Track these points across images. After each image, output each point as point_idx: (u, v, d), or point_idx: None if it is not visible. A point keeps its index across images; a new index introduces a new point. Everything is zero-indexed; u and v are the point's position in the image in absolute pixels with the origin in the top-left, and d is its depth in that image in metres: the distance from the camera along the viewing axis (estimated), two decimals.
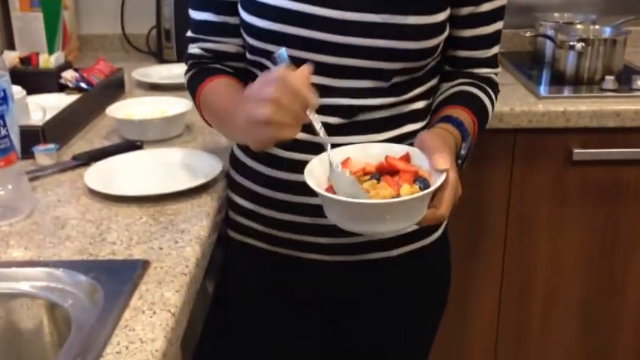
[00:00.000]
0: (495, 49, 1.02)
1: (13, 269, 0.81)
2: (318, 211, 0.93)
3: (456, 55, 1.00)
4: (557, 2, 1.94)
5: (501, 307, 1.65)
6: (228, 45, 0.99)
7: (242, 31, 0.95)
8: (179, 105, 1.31)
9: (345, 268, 1.00)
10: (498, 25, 0.99)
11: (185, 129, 1.30)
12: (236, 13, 0.95)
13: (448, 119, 0.92)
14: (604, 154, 1.50)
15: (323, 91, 0.82)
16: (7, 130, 0.90)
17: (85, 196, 1.01)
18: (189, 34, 1.02)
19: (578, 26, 1.75)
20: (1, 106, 0.89)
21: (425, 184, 0.78)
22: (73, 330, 0.70)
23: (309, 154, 0.92)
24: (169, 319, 0.71)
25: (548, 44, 1.74)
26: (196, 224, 0.92)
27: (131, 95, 1.56)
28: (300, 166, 0.92)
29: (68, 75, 1.47)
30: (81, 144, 1.24)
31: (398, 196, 0.76)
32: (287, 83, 0.73)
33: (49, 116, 1.24)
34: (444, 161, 0.79)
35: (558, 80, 1.63)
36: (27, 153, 1.10)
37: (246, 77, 0.98)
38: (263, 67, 0.94)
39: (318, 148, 0.90)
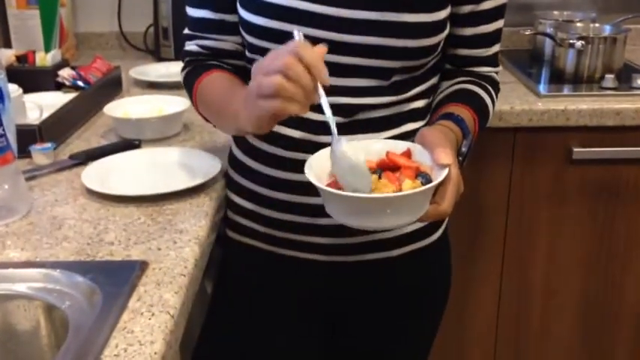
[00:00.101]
0: (496, 48, 1.01)
1: (10, 270, 0.80)
2: (318, 211, 0.93)
3: (456, 53, 0.99)
4: (556, 0, 1.93)
5: (500, 307, 1.65)
6: (225, 42, 0.98)
7: (240, 28, 0.95)
8: (177, 103, 1.30)
9: (345, 269, 0.99)
10: (499, 24, 0.98)
11: (183, 128, 1.29)
12: (234, 11, 0.95)
13: (449, 116, 0.91)
14: (604, 152, 1.49)
15: (323, 89, 0.82)
16: (3, 130, 0.89)
17: (82, 196, 1.00)
18: (186, 31, 1.02)
19: (578, 24, 1.74)
20: None
21: (427, 179, 0.77)
22: (70, 332, 0.69)
23: (309, 154, 0.91)
24: (168, 321, 0.70)
25: (548, 42, 1.73)
26: (195, 224, 0.91)
27: (128, 94, 1.55)
28: (300, 166, 0.92)
29: (65, 73, 1.46)
30: (78, 143, 1.23)
31: (400, 191, 0.75)
32: (300, 56, 0.71)
33: (45, 115, 1.23)
34: (446, 156, 0.78)
35: (558, 79, 1.63)
36: (23, 152, 1.10)
37: (244, 75, 0.97)
38: None
39: (318, 148, 0.89)
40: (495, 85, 1.04)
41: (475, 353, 1.69)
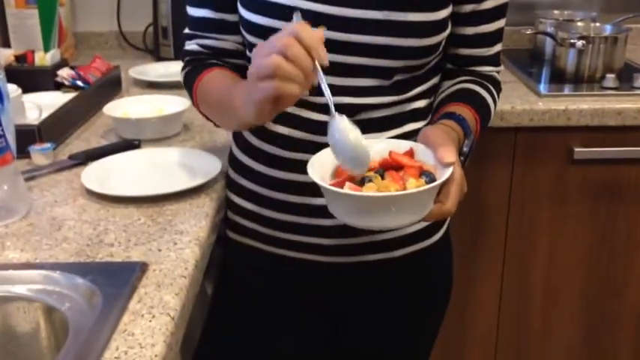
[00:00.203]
0: (498, 47, 1.01)
1: (10, 272, 0.79)
2: (319, 211, 0.92)
3: (457, 53, 0.99)
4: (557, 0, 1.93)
5: (501, 307, 1.64)
6: (226, 42, 0.98)
7: (241, 28, 0.94)
8: (177, 103, 1.30)
9: (346, 270, 0.99)
10: (500, 23, 0.98)
11: (183, 128, 1.29)
12: (234, 11, 0.94)
13: (450, 116, 0.91)
14: (605, 152, 1.49)
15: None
16: (2, 130, 0.88)
17: (81, 197, 1.00)
18: (186, 30, 1.01)
19: (579, 24, 1.74)
20: None
21: (431, 178, 0.77)
22: (70, 334, 0.69)
23: (310, 154, 0.91)
24: (169, 323, 0.70)
25: (548, 42, 1.73)
26: (195, 225, 0.91)
27: (128, 93, 1.54)
28: (300, 166, 0.91)
29: (64, 73, 1.45)
30: (77, 143, 1.23)
31: (404, 190, 0.75)
32: (299, 37, 0.71)
33: (45, 115, 1.22)
34: (450, 155, 0.78)
35: (558, 78, 1.62)
36: (23, 152, 1.09)
37: (245, 75, 0.97)
38: None
39: (318, 148, 0.89)
40: (497, 85, 1.04)
41: (476, 353, 1.69)
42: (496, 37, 0.99)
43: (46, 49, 1.57)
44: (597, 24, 1.72)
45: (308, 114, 0.91)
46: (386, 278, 1.01)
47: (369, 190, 0.75)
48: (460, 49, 0.98)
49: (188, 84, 1.00)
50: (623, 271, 1.61)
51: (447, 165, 0.77)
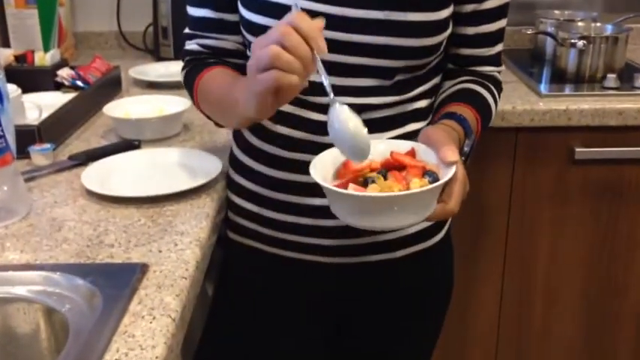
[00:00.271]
0: (499, 47, 1.01)
1: (10, 273, 0.79)
2: (320, 212, 0.92)
3: (458, 53, 0.99)
4: None
5: (502, 307, 1.64)
6: (226, 42, 0.98)
7: (242, 28, 0.94)
8: (177, 103, 1.29)
9: (347, 270, 0.98)
10: (502, 23, 0.98)
11: (183, 128, 1.29)
12: (235, 10, 0.94)
13: (451, 116, 0.91)
14: (606, 153, 1.49)
15: (324, 89, 0.81)
16: (2, 130, 0.88)
17: (82, 197, 0.99)
18: (186, 30, 1.01)
19: (580, 24, 1.74)
20: None
21: (434, 178, 0.76)
22: (70, 336, 0.68)
23: (310, 154, 0.90)
24: (170, 325, 0.69)
25: (549, 42, 1.73)
26: (196, 226, 0.91)
27: (128, 94, 1.54)
28: (301, 167, 0.91)
29: (64, 73, 1.45)
30: (77, 143, 1.22)
31: (408, 190, 0.74)
32: (297, 26, 0.71)
33: (44, 115, 1.22)
34: (453, 154, 0.78)
35: (559, 78, 1.62)
36: (22, 153, 1.09)
37: (245, 74, 0.97)
38: None
39: (319, 149, 0.88)
40: (498, 85, 1.03)
41: (476, 353, 1.69)
42: (497, 37, 0.99)
43: (46, 49, 1.57)
44: (598, 24, 1.72)
45: (308, 114, 0.91)
46: (387, 279, 1.01)
47: (372, 191, 0.74)
48: (461, 49, 0.98)
49: (188, 83, 1.00)
50: (624, 272, 1.61)
51: (450, 164, 0.77)
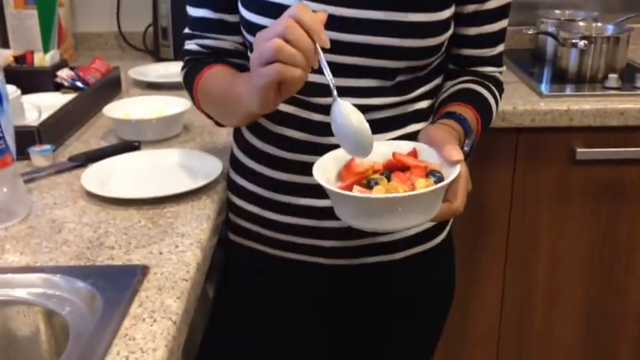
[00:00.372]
0: (500, 48, 1.00)
1: (9, 275, 0.78)
2: (321, 213, 0.92)
3: (460, 53, 0.98)
4: None
5: (503, 307, 1.64)
6: (225, 42, 0.97)
7: (242, 29, 0.93)
8: (177, 104, 1.29)
9: (348, 272, 0.98)
10: (503, 24, 0.97)
11: (183, 129, 1.28)
12: (234, 11, 0.94)
13: (451, 115, 0.90)
14: (607, 153, 1.48)
15: (325, 90, 0.81)
16: (1, 132, 0.87)
17: (82, 199, 0.99)
18: (186, 30, 1.01)
19: (581, 23, 1.73)
20: None
21: (439, 177, 0.76)
22: (70, 339, 0.68)
23: (311, 155, 0.90)
24: (170, 328, 0.69)
25: (550, 42, 1.72)
26: (197, 227, 0.90)
27: (128, 94, 1.54)
28: (302, 168, 0.91)
29: (64, 74, 1.44)
30: (77, 145, 1.22)
31: (413, 191, 0.74)
32: (299, 19, 0.70)
33: (44, 116, 1.22)
34: (457, 153, 0.77)
35: (560, 78, 1.61)
36: (22, 154, 1.09)
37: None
38: None
39: (320, 150, 0.88)
40: (499, 86, 1.03)
41: (477, 353, 1.68)
42: (499, 37, 0.98)
43: (46, 49, 1.57)
44: (599, 24, 1.71)
45: (309, 115, 0.91)
46: (387, 280, 1.01)
47: (378, 193, 0.74)
48: (462, 50, 0.98)
49: (188, 83, 0.99)
50: (625, 272, 1.60)
51: (454, 163, 0.77)
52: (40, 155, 1.10)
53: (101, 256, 0.83)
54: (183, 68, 1.02)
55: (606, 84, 1.53)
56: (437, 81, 0.98)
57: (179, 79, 1.05)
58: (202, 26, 0.98)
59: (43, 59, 1.49)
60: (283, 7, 0.85)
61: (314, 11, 0.84)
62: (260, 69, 0.72)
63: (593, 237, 1.57)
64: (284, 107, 0.90)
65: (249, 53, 0.96)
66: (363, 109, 0.89)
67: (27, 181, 1.03)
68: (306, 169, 0.86)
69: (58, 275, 0.77)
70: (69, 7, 1.91)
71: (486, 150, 1.42)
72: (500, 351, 1.68)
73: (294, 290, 1.01)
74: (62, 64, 1.52)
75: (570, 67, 1.60)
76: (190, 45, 1.00)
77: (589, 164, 1.49)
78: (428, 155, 0.81)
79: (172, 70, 1.61)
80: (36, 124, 1.16)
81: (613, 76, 1.52)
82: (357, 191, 0.74)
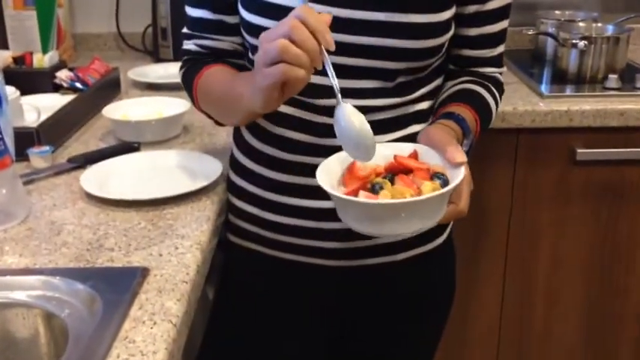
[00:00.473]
0: (501, 49, 1.00)
1: (8, 277, 0.78)
2: (321, 214, 0.92)
3: (460, 54, 0.98)
4: (558, 0, 1.92)
5: (503, 308, 1.64)
6: (224, 43, 0.97)
7: (242, 30, 0.93)
8: (177, 105, 1.29)
9: (348, 273, 0.98)
10: (504, 24, 0.97)
11: (183, 130, 1.28)
12: (233, 12, 0.93)
13: (449, 116, 0.90)
14: (607, 154, 1.48)
15: (327, 91, 0.80)
16: (0, 133, 0.87)
17: (81, 200, 0.99)
18: (184, 30, 1.01)
19: (580, 24, 1.73)
20: None
21: (444, 180, 0.76)
22: (70, 341, 0.68)
23: (311, 156, 0.90)
24: (171, 330, 0.69)
25: (550, 42, 1.72)
26: (197, 229, 0.90)
27: (127, 95, 1.53)
28: (302, 169, 0.91)
29: (63, 75, 1.44)
30: (76, 146, 1.22)
31: (419, 194, 0.73)
32: (305, 20, 0.71)
33: (43, 117, 1.21)
34: (461, 154, 0.77)
35: (560, 79, 1.61)
36: (21, 155, 1.08)
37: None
38: None
39: (320, 151, 0.88)
40: (499, 86, 1.03)
41: (477, 354, 1.68)
42: (499, 38, 0.98)
43: (45, 50, 1.56)
44: (599, 24, 1.71)
45: (310, 116, 0.90)
46: (388, 282, 1.00)
47: (384, 198, 0.73)
48: (463, 50, 0.98)
49: (187, 82, 0.99)
50: (625, 273, 1.60)
51: (459, 165, 0.76)
52: (39, 156, 1.10)
53: (101, 258, 0.83)
54: (181, 68, 1.02)
55: (606, 84, 1.52)
56: (437, 82, 0.98)
57: (178, 79, 1.04)
58: (201, 26, 0.97)
59: (42, 60, 1.49)
60: (282, 8, 0.85)
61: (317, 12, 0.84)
62: (265, 69, 0.72)
63: (594, 237, 1.56)
64: (284, 108, 0.90)
65: (249, 54, 0.96)
66: (364, 110, 0.89)
67: (26, 183, 1.02)
68: (307, 170, 0.86)
69: (58, 277, 0.77)
70: (68, 7, 1.90)
71: (486, 151, 1.42)
72: (500, 351, 1.67)
73: (294, 292, 1.01)
74: (61, 65, 1.52)
75: (570, 68, 1.60)
76: (189, 45, 1.00)
77: (589, 165, 1.49)
78: (429, 157, 0.81)
79: (172, 71, 1.60)
80: (35, 125, 1.16)
81: (613, 76, 1.52)
82: (364, 197, 0.73)
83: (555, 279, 1.61)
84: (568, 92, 1.53)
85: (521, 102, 1.46)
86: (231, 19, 0.95)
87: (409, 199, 0.72)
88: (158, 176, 1.06)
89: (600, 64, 1.57)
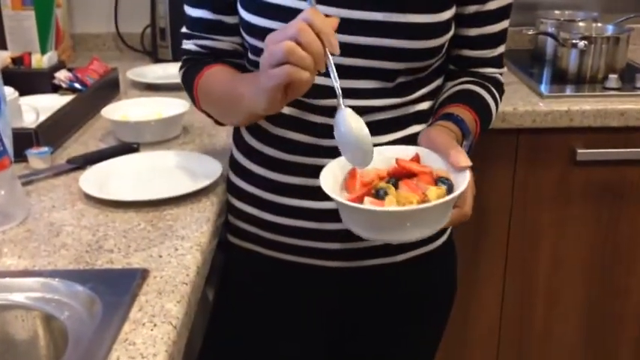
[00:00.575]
0: (501, 49, 1.00)
1: (7, 279, 0.78)
2: (322, 215, 0.91)
3: (460, 54, 0.98)
4: (558, 0, 1.92)
5: (503, 309, 1.64)
6: (224, 43, 0.97)
7: (242, 30, 0.93)
8: (176, 106, 1.28)
9: (349, 274, 0.97)
10: (504, 24, 0.97)
11: (182, 130, 1.27)
12: (233, 12, 0.93)
13: (448, 117, 0.90)
14: (608, 154, 1.48)
15: (327, 92, 0.80)
16: None
17: (80, 201, 0.98)
18: (184, 30, 1.00)
19: (580, 24, 1.73)
20: None
21: (449, 185, 0.75)
22: (69, 344, 0.67)
23: (311, 157, 0.89)
24: (171, 332, 0.68)
25: (550, 42, 1.72)
26: (196, 230, 0.89)
27: (126, 96, 1.53)
28: (302, 170, 0.90)
29: (61, 75, 1.44)
30: (75, 147, 1.21)
31: (425, 199, 0.73)
32: (311, 23, 0.71)
33: (42, 118, 1.21)
34: (465, 159, 0.77)
35: (560, 79, 1.61)
36: (20, 156, 1.08)
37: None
38: None
39: (320, 151, 0.88)
40: (500, 87, 1.02)
41: (478, 355, 1.68)
42: (500, 38, 0.98)
43: (43, 51, 1.56)
44: (599, 24, 1.71)
45: (309, 117, 0.90)
46: (389, 283, 1.00)
47: (390, 204, 0.72)
48: (463, 51, 0.97)
49: (187, 82, 0.99)
50: (626, 273, 1.60)
51: (463, 169, 0.76)
52: (37, 157, 1.09)
53: (100, 259, 0.82)
54: (181, 67, 1.01)
55: (606, 84, 1.52)
56: (437, 82, 0.98)
57: (178, 80, 1.04)
58: (200, 26, 0.97)
59: (40, 61, 1.49)
60: (282, 8, 0.85)
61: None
62: (270, 70, 0.72)
63: (594, 238, 1.56)
64: (284, 109, 0.90)
65: (248, 54, 0.95)
66: (364, 110, 0.89)
67: (25, 184, 1.02)
68: (307, 171, 0.86)
69: (57, 279, 0.77)
70: (66, 8, 1.90)
71: (487, 151, 1.41)
72: (500, 352, 1.67)
73: (294, 293, 1.01)
74: (60, 65, 1.52)
75: (570, 68, 1.60)
76: (188, 45, 0.99)
77: (589, 165, 1.49)
78: (431, 160, 0.80)
79: (171, 72, 1.60)
80: (34, 126, 1.16)
81: (613, 76, 1.52)
82: (369, 203, 0.73)
83: (555, 279, 1.60)
84: (568, 92, 1.53)
85: (521, 102, 1.46)
86: (230, 19, 0.94)
87: (416, 206, 0.71)
88: (158, 177, 1.05)
89: (600, 64, 1.57)
